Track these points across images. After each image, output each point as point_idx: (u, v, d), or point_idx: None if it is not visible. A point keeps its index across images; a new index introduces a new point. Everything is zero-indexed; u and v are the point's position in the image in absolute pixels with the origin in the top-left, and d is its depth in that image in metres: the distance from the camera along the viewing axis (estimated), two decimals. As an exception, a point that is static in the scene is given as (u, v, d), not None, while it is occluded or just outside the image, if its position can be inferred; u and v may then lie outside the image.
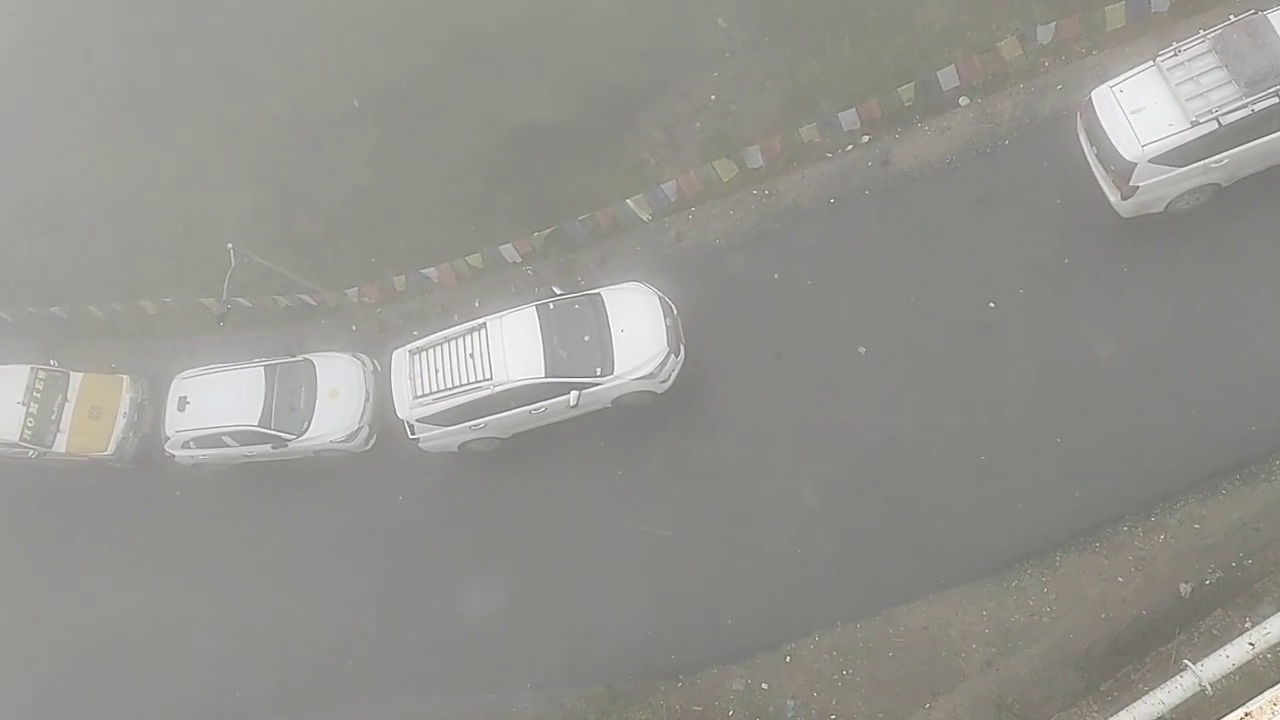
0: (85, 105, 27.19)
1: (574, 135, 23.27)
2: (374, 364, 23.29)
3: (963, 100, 20.97)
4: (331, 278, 23.76)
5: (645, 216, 22.33)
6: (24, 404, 24.15)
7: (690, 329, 20.83)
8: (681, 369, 20.59)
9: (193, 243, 25.32)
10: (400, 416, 21.15)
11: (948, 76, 20.57)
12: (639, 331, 20.36)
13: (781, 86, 22.36)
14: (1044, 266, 19.44)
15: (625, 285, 21.19)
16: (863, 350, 20.17)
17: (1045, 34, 20.25)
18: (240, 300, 23.09)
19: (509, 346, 20.27)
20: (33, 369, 24.60)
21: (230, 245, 20.34)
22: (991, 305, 19.63)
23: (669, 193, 22.07)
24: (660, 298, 20.84)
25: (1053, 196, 19.73)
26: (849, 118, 21.07)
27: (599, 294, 20.94)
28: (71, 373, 24.83)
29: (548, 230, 22.61)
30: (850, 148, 21.56)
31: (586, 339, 20.35)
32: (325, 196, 25.12)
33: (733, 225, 22.04)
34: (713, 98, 22.83)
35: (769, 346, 20.79)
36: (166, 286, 25.47)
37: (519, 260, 22.94)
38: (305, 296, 23.95)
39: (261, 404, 22.55)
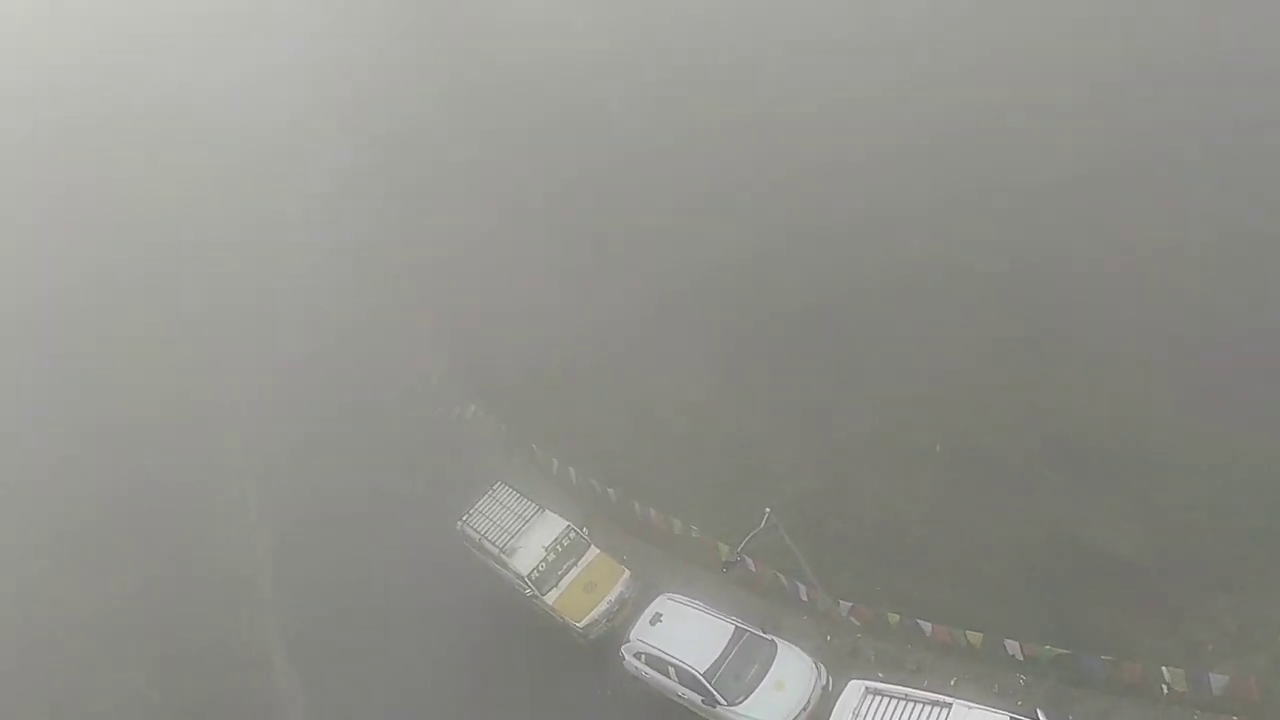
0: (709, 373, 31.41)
1: (1137, 575, 21.60)
2: (828, 679, 22.93)
3: None
4: (834, 583, 24.14)
5: (1176, 691, 19.72)
6: (547, 550, 27.57)
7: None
8: None
9: (739, 491, 27.51)
10: (827, 742, 20.44)
11: None
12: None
13: None
14: None
15: (1118, 751, 18.71)
16: None
17: None
18: (748, 559, 24.33)
19: (964, 740, 18.75)
20: (568, 527, 28.13)
21: (768, 510, 21.72)
22: None
23: (1215, 685, 19.29)
24: (1153, 787, 18.03)
25: None
26: None
27: (1084, 744, 18.72)
28: (592, 545, 27.93)
29: (1062, 650, 20.91)
30: None
31: (1047, 782, 18.15)
32: (871, 513, 25.88)
33: (1280, 758, 18.59)
34: (1316, 616, 19.85)
35: None
36: (699, 515, 27.77)
37: (1019, 660, 21.41)
38: (802, 586, 24.56)
39: (716, 657, 23.28)
